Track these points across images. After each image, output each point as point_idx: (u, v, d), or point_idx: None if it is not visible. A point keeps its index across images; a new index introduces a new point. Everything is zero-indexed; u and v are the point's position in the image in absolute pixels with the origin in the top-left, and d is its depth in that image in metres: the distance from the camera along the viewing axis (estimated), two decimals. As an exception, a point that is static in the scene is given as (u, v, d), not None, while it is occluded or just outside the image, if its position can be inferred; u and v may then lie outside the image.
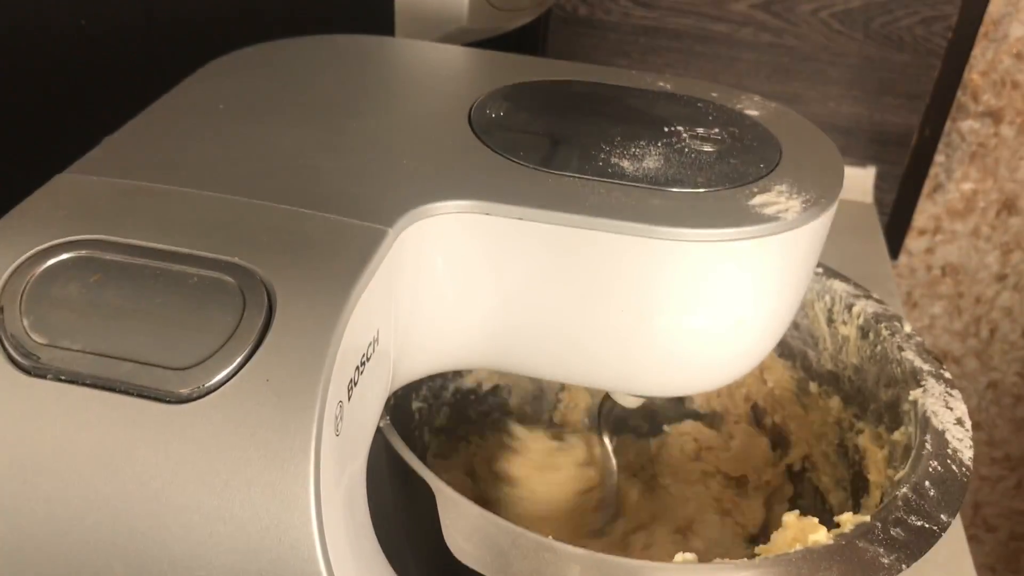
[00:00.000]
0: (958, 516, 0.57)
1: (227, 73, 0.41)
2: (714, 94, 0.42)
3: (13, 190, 0.32)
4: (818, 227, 0.36)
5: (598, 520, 0.49)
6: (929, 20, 0.88)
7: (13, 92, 0.48)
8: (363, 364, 0.29)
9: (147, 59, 0.51)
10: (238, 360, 0.26)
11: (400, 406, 0.50)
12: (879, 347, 0.48)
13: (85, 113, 0.44)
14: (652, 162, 0.36)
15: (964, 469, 0.40)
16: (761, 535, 0.51)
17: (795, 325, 0.53)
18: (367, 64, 0.43)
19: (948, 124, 0.94)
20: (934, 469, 0.40)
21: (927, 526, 0.37)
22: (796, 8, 0.89)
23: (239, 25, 0.53)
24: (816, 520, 0.38)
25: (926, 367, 0.46)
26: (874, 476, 0.46)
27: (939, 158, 0.96)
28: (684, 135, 0.38)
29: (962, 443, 0.41)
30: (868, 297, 0.50)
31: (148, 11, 0.51)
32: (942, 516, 0.37)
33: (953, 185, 0.97)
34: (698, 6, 0.91)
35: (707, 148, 0.37)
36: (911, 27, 0.88)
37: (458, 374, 0.55)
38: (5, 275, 0.28)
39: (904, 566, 0.35)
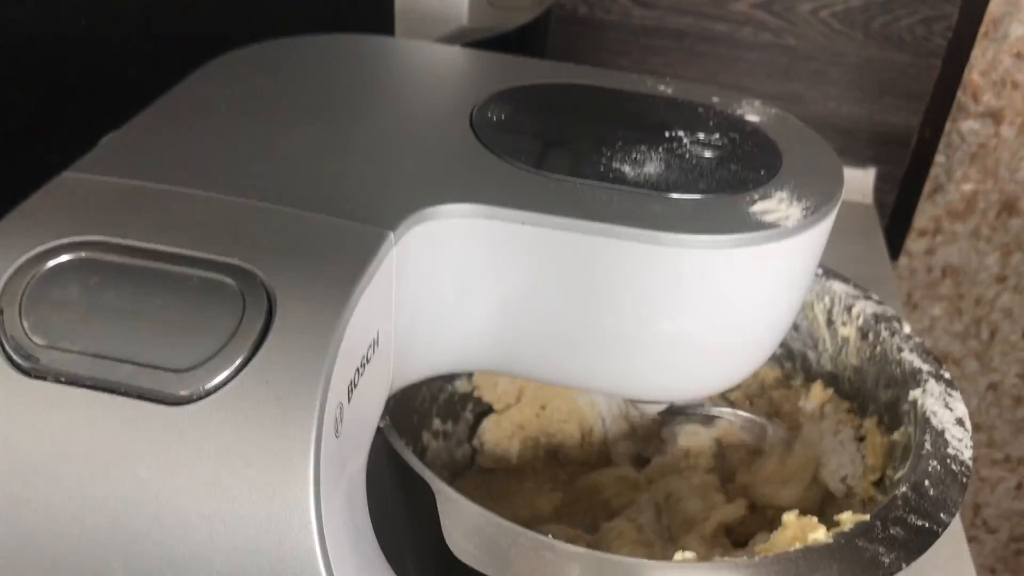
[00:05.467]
0: (958, 516, 0.57)
1: (227, 73, 0.41)
2: (715, 99, 0.42)
3: (13, 190, 0.32)
4: (818, 234, 0.36)
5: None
6: (929, 20, 0.88)
7: (13, 92, 0.48)
8: (363, 366, 0.29)
9: (147, 59, 0.51)
10: (238, 362, 0.26)
11: (400, 407, 0.50)
12: (879, 348, 0.48)
13: (85, 113, 0.44)
14: (653, 167, 0.36)
15: (964, 469, 0.40)
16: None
17: (795, 327, 0.53)
18: (367, 64, 0.43)
19: (948, 125, 0.94)
20: (934, 468, 0.40)
21: (927, 525, 0.37)
22: (796, 8, 0.89)
23: (239, 25, 0.53)
24: (816, 519, 0.38)
25: (926, 367, 0.46)
26: (871, 460, 0.46)
27: (939, 159, 0.96)
28: (685, 140, 0.38)
29: (962, 443, 0.41)
30: (867, 298, 0.50)
31: (148, 10, 0.51)
32: (941, 515, 0.37)
33: (953, 186, 0.97)
34: (698, 6, 0.91)
35: (708, 154, 0.37)
36: (911, 27, 0.88)
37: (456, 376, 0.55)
38: (5, 276, 0.28)
39: (904, 565, 0.35)
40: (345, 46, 0.45)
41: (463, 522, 0.35)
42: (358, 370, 0.29)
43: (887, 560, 0.35)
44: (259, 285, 0.28)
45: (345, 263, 0.29)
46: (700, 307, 0.34)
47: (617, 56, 0.95)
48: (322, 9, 0.56)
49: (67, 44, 0.49)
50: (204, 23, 0.52)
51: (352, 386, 0.28)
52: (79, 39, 0.49)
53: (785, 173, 0.37)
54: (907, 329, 0.48)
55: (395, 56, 0.45)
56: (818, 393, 0.51)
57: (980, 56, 0.90)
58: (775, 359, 0.55)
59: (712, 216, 0.33)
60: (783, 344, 0.54)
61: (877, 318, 0.49)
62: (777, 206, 0.34)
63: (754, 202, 0.34)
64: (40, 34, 0.48)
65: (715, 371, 0.38)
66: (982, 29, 0.88)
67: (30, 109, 0.50)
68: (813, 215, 0.34)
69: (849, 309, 0.50)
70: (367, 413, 0.31)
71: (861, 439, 0.50)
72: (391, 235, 0.30)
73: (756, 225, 0.33)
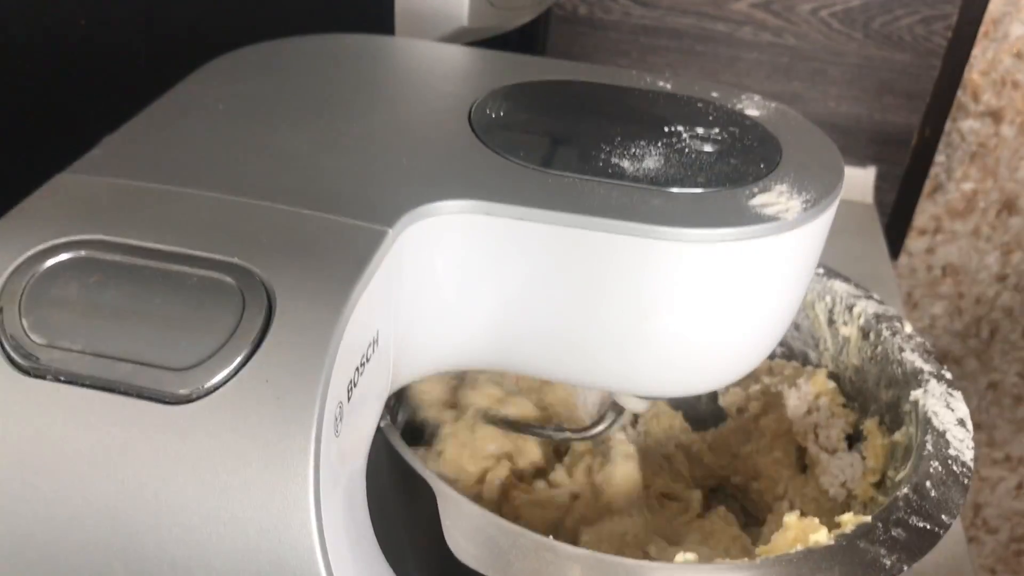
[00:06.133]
0: (958, 518, 0.57)
1: (227, 73, 0.41)
2: (714, 94, 0.42)
3: (13, 190, 0.32)
4: (819, 227, 0.35)
5: None
6: (929, 19, 0.88)
7: (13, 92, 0.48)
8: (363, 365, 0.29)
9: (147, 59, 0.51)
10: (237, 361, 0.26)
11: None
12: (880, 348, 0.48)
13: (85, 113, 0.44)
14: (652, 162, 0.36)
15: (965, 470, 0.40)
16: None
17: (796, 326, 0.53)
18: (367, 64, 0.43)
19: (948, 124, 0.94)
20: (935, 470, 0.39)
21: (928, 527, 0.37)
22: (796, 7, 0.89)
23: (239, 25, 0.53)
24: (817, 520, 0.38)
25: (927, 367, 0.46)
26: (872, 462, 0.46)
27: (939, 158, 0.96)
28: (684, 135, 0.38)
29: (963, 444, 0.41)
30: (869, 297, 0.50)
31: (148, 11, 0.51)
32: (943, 517, 0.37)
33: (953, 185, 0.97)
34: (698, 5, 0.91)
35: (707, 148, 0.37)
36: (911, 26, 0.88)
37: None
38: (5, 275, 0.28)
39: (905, 567, 0.35)
40: (345, 46, 0.45)
41: (464, 522, 0.35)
42: (358, 369, 0.29)
43: (888, 562, 0.35)
44: (258, 284, 0.28)
45: (344, 261, 0.29)
46: (700, 301, 0.34)
47: (617, 56, 0.95)
48: (322, 9, 0.56)
49: (67, 44, 0.49)
50: (204, 23, 0.52)
51: (352, 385, 0.28)
52: (79, 39, 0.49)
53: (785, 166, 0.37)
54: (908, 329, 0.48)
55: (395, 55, 0.45)
56: (819, 382, 0.51)
57: (980, 56, 0.90)
58: (775, 358, 0.55)
59: (712, 210, 0.33)
60: (784, 343, 0.54)
61: (878, 318, 0.49)
62: (777, 199, 0.34)
63: (754, 195, 0.34)
64: (40, 34, 0.48)
65: (716, 366, 0.37)
66: (982, 29, 0.88)
67: (29, 109, 0.50)
68: (813, 208, 0.34)
69: (850, 309, 0.50)
70: (367, 412, 0.31)
71: (851, 437, 0.50)
72: (390, 232, 0.30)
73: (756, 218, 0.33)
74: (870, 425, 0.48)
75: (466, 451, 0.47)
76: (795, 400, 0.51)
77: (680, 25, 0.92)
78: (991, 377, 1.07)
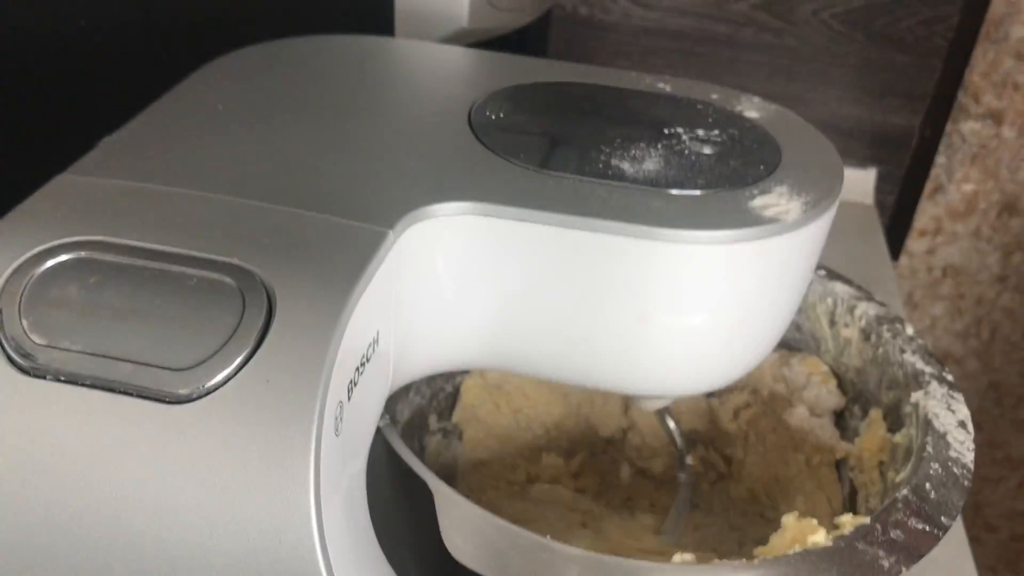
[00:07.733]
0: (959, 518, 0.57)
1: (227, 73, 0.41)
2: (714, 96, 0.42)
3: (13, 190, 0.32)
4: (818, 229, 0.36)
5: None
6: (930, 21, 0.88)
7: (12, 92, 0.48)
8: (363, 365, 0.29)
9: (147, 59, 0.51)
10: (238, 361, 0.26)
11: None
12: (881, 349, 0.48)
13: (85, 113, 0.44)
14: (652, 164, 0.36)
15: (965, 472, 0.40)
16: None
17: (797, 327, 0.53)
18: (367, 64, 0.43)
19: (949, 125, 0.93)
20: (935, 471, 0.39)
21: (927, 528, 0.37)
22: (797, 9, 0.89)
23: (239, 25, 0.53)
24: (815, 521, 0.38)
25: (928, 369, 0.46)
26: (869, 445, 0.46)
27: (940, 159, 0.95)
28: (684, 137, 0.38)
29: (963, 445, 0.41)
30: (870, 299, 0.50)
31: (148, 11, 0.51)
32: (942, 518, 0.37)
33: (954, 186, 0.97)
34: (698, 7, 0.91)
35: (707, 150, 0.37)
36: (912, 28, 0.88)
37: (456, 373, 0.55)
38: (4, 276, 0.28)
39: (904, 568, 0.35)
40: (345, 46, 0.45)
41: (461, 522, 0.35)
42: (358, 369, 0.29)
43: (887, 564, 0.35)
44: (259, 284, 0.28)
45: (345, 262, 0.29)
46: (700, 303, 0.34)
47: (617, 57, 0.95)
48: (322, 9, 0.56)
49: (67, 44, 0.49)
50: (203, 24, 0.52)
51: (352, 385, 0.28)
52: (79, 39, 0.49)
53: (785, 168, 0.37)
54: (909, 331, 0.48)
55: (395, 56, 0.45)
56: (811, 362, 0.51)
57: (981, 57, 0.90)
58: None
59: (712, 211, 0.33)
60: (785, 345, 0.54)
61: (879, 319, 0.49)
62: (777, 201, 0.34)
63: (754, 197, 0.34)
64: (40, 34, 0.48)
65: (715, 367, 0.37)
66: (983, 30, 0.88)
67: (29, 109, 0.50)
68: (813, 209, 0.34)
69: (851, 310, 0.50)
70: (367, 412, 0.31)
71: (847, 432, 0.50)
72: (390, 234, 0.30)
73: (756, 220, 0.33)
74: (874, 415, 0.48)
75: None
76: (783, 389, 0.51)
77: (681, 27, 0.92)
78: (992, 377, 1.07)
